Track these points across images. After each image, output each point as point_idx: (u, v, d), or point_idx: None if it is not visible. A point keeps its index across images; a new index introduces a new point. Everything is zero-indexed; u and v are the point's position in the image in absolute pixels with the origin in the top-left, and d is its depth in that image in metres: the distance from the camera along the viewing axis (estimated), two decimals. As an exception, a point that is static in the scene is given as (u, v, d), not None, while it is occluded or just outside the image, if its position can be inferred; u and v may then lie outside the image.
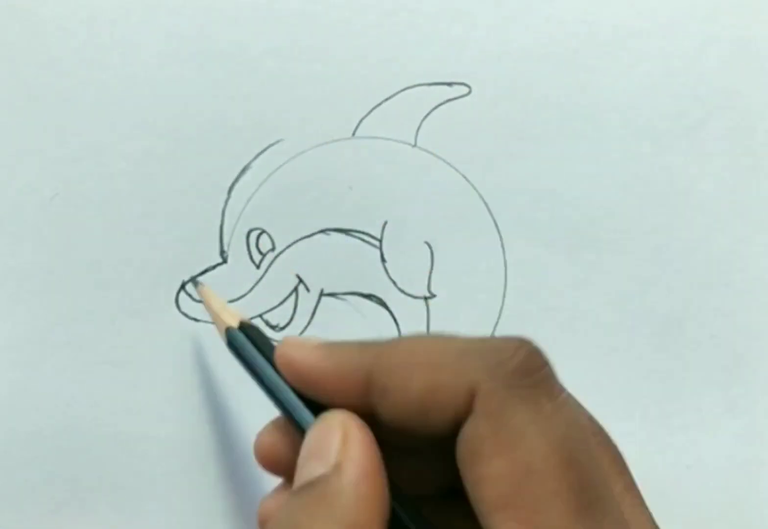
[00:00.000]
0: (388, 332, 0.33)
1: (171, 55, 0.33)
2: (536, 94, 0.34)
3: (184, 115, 0.33)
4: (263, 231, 0.33)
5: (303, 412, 0.25)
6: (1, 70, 0.33)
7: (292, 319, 0.33)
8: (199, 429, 0.33)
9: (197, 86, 0.33)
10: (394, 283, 0.33)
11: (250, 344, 0.27)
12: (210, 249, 0.33)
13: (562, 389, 0.23)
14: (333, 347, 0.25)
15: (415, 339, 0.24)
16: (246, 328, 0.28)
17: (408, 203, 0.33)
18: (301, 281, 0.33)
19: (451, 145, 0.34)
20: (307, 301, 0.34)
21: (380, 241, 0.33)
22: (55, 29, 0.33)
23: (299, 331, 0.33)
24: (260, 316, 0.33)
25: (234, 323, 0.28)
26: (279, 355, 0.25)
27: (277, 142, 0.33)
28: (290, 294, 0.33)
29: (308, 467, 0.24)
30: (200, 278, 0.33)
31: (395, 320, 0.33)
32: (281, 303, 0.33)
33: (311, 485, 0.23)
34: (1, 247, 0.33)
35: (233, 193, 0.33)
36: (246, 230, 0.33)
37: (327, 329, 0.33)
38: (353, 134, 0.33)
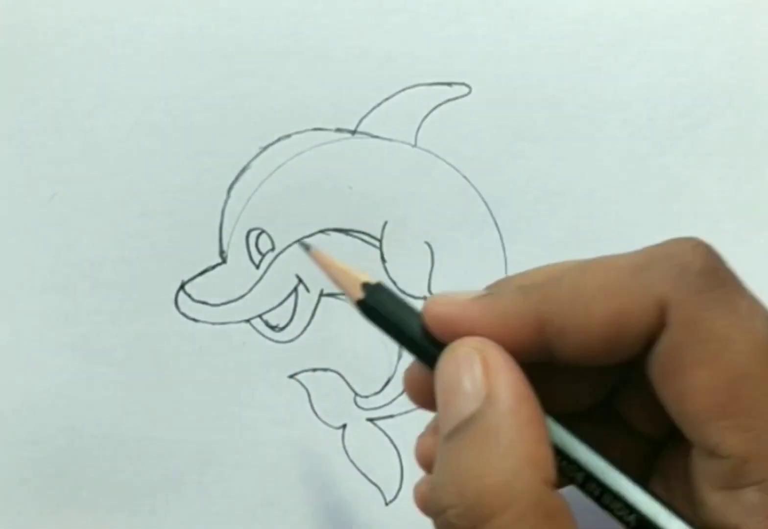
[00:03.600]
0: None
1: (171, 55, 0.33)
2: (536, 94, 0.34)
3: (184, 115, 0.33)
4: (263, 231, 0.33)
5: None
6: (1, 70, 0.33)
7: (292, 319, 0.33)
8: (198, 429, 0.33)
9: (197, 86, 0.33)
10: (394, 283, 0.33)
11: (388, 300, 0.24)
12: (210, 249, 0.33)
13: (744, 283, 0.22)
14: (491, 299, 0.23)
15: (576, 271, 0.22)
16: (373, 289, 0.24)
17: (408, 203, 0.33)
18: (301, 281, 0.33)
19: (451, 145, 0.34)
20: (307, 301, 0.33)
21: (380, 241, 0.33)
22: (55, 29, 0.33)
23: (299, 331, 0.33)
24: (260, 316, 0.33)
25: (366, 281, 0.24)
26: (431, 315, 0.23)
27: (277, 141, 0.33)
28: (290, 294, 0.33)
29: (455, 405, 0.22)
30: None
31: (395, 320, 0.33)
32: (281, 303, 0.33)
33: (466, 423, 0.21)
34: (1, 248, 0.33)
35: (233, 193, 0.33)
36: (246, 230, 0.33)
37: (327, 329, 0.33)
38: (353, 134, 0.33)
